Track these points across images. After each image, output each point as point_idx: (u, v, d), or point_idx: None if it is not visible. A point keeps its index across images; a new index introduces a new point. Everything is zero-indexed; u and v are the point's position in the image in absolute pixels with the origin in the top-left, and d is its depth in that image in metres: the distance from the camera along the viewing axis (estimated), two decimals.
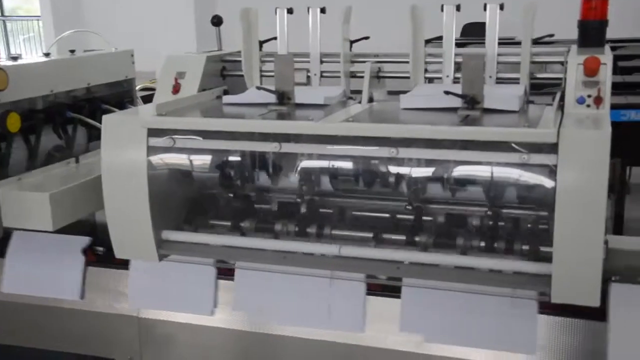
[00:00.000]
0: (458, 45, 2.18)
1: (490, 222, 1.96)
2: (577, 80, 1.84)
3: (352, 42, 2.35)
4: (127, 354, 2.33)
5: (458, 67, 2.15)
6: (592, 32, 1.98)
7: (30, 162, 2.40)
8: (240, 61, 2.41)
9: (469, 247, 1.90)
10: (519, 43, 2.10)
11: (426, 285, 1.92)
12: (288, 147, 1.92)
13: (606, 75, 1.82)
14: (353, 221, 2.12)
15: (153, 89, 2.71)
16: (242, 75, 2.42)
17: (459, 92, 1.89)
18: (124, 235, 2.04)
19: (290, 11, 2.34)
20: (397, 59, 2.32)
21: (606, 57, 1.84)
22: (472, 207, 1.98)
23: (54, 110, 2.48)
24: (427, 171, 1.97)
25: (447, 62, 2.18)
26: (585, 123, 1.75)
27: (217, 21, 2.57)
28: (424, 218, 2.02)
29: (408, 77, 2.23)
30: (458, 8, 2.13)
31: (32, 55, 3.06)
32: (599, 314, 1.81)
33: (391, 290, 2.03)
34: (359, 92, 2.16)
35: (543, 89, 2.35)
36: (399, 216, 2.06)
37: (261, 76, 2.42)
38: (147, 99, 2.97)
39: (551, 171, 1.68)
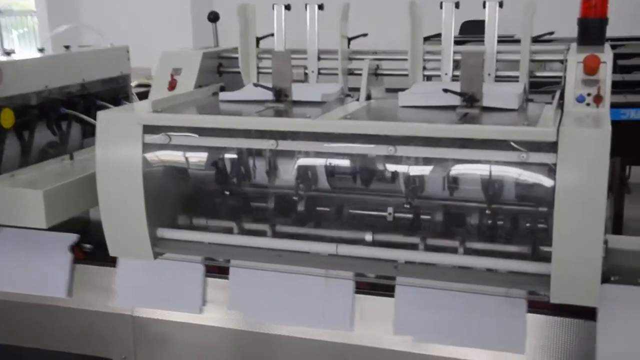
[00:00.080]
0: (457, 43, 2.16)
1: (489, 221, 1.95)
2: (576, 79, 1.83)
3: (350, 39, 2.34)
4: (122, 353, 2.32)
5: (457, 64, 2.14)
6: (592, 30, 1.97)
7: (24, 159, 2.37)
8: (237, 58, 2.39)
9: (467, 247, 1.88)
10: (518, 41, 2.09)
11: (419, 284, 1.91)
12: (285, 145, 1.90)
13: (606, 74, 1.81)
14: (350, 220, 2.11)
15: (149, 86, 2.69)
16: (238, 72, 2.40)
17: (458, 90, 1.87)
18: (119, 233, 2.02)
19: (287, 7, 2.32)
20: (396, 56, 2.30)
21: (606, 56, 1.82)
22: (471, 206, 1.97)
23: (48, 106, 2.46)
24: (425, 169, 1.95)
25: (446, 60, 2.16)
26: (585, 122, 1.74)
27: (213, 17, 2.55)
28: (422, 217, 2.00)
29: (406, 75, 2.21)
30: (457, 5, 2.12)
31: (26, 51, 3.04)
32: (591, 313, 1.81)
33: (387, 289, 2.02)
34: (357, 89, 2.15)
35: (542, 87, 2.34)
36: (396, 215, 2.04)
37: (258, 73, 2.41)
38: (143, 96, 2.94)
39: (550, 170, 1.66)
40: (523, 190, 1.87)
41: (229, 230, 2.08)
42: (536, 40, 2.11)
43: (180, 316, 2.22)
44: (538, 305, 1.87)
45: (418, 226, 1.98)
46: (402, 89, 2.08)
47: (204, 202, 2.20)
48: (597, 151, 1.60)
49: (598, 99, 1.81)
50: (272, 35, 2.37)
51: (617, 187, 2.31)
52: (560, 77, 1.98)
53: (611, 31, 2.07)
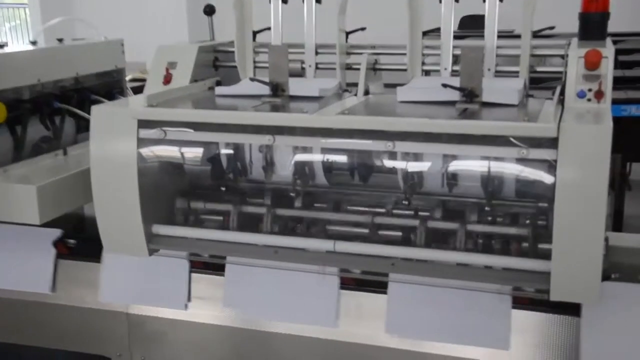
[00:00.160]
0: (456, 37, 2.14)
1: (488, 218, 1.93)
2: (577, 74, 1.81)
3: (348, 33, 2.32)
4: (117, 350, 2.30)
5: (456, 59, 2.11)
6: (593, 24, 1.95)
7: (17, 153, 2.34)
8: (233, 52, 2.36)
9: (466, 244, 1.87)
10: (518, 36, 2.07)
11: (410, 281, 1.90)
12: (282, 140, 1.88)
13: (607, 69, 1.79)
14: (348, 216, 2.08)
15: (143, 80, 2.66)
16: (235, 66, 2.38)
17: (457, 85, 1.86)
18: (113, 229, 2.00)
19: (284, 1, 2.30)
20: (394, 50, 2.28)
21: (607, 51, 1.81)
22: (470, 203, 1.95)
23: (41, 100, 2.42)
24: (424, 166, 1.93)
25: (445, 55, 2.14)
26: (585, 117, 1.72)
27: (209, 10, 2.52)
28: (420, 213, 1.99)
29: (405, 70, 2.19)
30: None
31: (18, 44, 2.99)
32: (576, 309, 1.81)
33: (377, 285, 2.01)
34: (355, 84, 2.12)
35: (542, 82, 2.32)
36: (394, 211, 2.02)
37: (255, 67, 2.38)
38: (138, 90, 2.91)
39: (551, 166, 1.65)
40: (523, 187, 1.86)
41: (225, 227, 2.06)
42: (537, 35, 2.09)
43: (176, 313, 2.21)
44: (522, 302, 1.86)
45: (416, 223, 1.96)
46: (401, 84, 2.06)
47: (199, 197, 2.17)
48: (598, 147, 1.58)
49: (599, 95, 1.79)
50: (269, 28, 2.34)
51: (618, 184, 2.30)
52: (560, 72, 1.96)
53: (611, 26, 2.05)
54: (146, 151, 1.97)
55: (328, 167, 2.03)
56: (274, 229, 2.02)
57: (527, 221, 1.89)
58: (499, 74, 2.09)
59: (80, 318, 2.33)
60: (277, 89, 2.00)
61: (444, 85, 1.86)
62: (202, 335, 2.20)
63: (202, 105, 2.08)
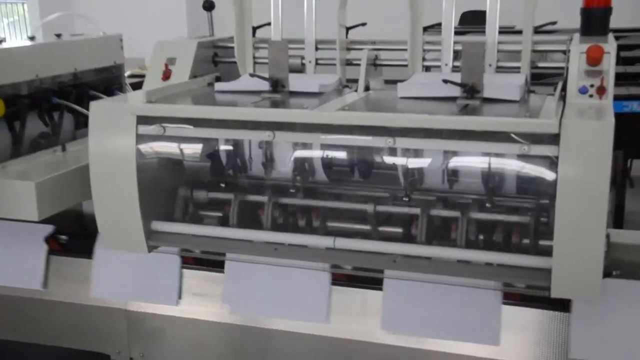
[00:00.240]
0: (457, 33, 2.13)
1: (489, 215, 1.92)
2: (579, 70, 1.79)
3: (348, 28, 2.30)
4: (116, 347, 2.29)
5: (457, 55, 2.10)
6: (595, 20, 1.93)
7: (15, 150, 2.33)
8: (232, 47, 2.35)
9: (467, 240, 1.86)
10: (519, 32, 2.05)
11: (406, 277, 1.90)
12: (282, 136, 1.87)
13: (610, 65, 1.78)
14: (348, 213, 2.08)
15: (142, 76, 2.64)
16: (234, 62, 2.36)
17: (458, 80, 1.84)
18: (112, 226, 1.99)
19: None
20: (395, 46, 2.27)
21: (610, 46, 1.79)
22: (471, 199, 1.94)
23: (39, 95, 2.41)
24: (425, 162, 1.93)
25: (446, 50, 2.13)
26: (587, 113, 1.71)
27: (208, 5, 2.50)
28: (421, 210, 1.97)
29: (406, 65, 2.18)
30: None
31: (16, 40, 2.97)
32: (566, 305, 1.81)
33: (369, 282, 2.00)
34: (355, 80, 2.11)
35: (543, 78, 2.31)
36: (395, 208, 2.01)
37: (254, 63, 2.37)
38: (137, 86, 2.89)
39: (552, 163, 1.64)
40: (524, 184, 1.85)
41: (224, 223, 2.05)
42: (538, 30, 2.07)
43: (175, 310, 2.20)
44: (513, 297, 1.85)
45: (417, 219, 1.95)
46: (401, 80, 2.05)
47: (199, 194, 2.16)
48: (600, 144, 1.57)
49: (601, 91, 1.78)
50: (269, 24, 2.33)
51: (620, 181, 2.29)
52: (562, 68, 1.95)
53: (613, 22, 2.03)
54: (145, 147, 1.96)
55: (328, 164, 2.02)
56: (274, 225, 2.01)
57: (528, 218, 1.88)
58: (500, 69, 2.08)
59: (78, 315, 2.32)
60: (277, 85, 1.99)
61: (445, 81, 1.85)
62: (201, 332, 2.19)
63: (202, 101, 2.07)
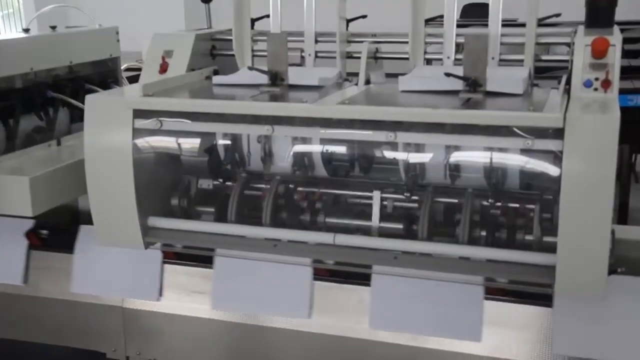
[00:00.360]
0: (458, 26, 2.10)
1: (492, 211, 1.90)
2: (584, 63, 1.77)
3: (348, 20, 2.28)
4: (112, 345, 2.27)
5: (459, 48, 2.07)
6: (600, 12, 1.90)
7: (9, 144, 2.31)
8: (231, 40, 2.32)
9: (469, 237, 1.83)
10: (521, 24, 2.02)
11: (393, 273, 1.88)
12: (281, 130, 1.85)
13: (615, 57, 1.75)
14: (348, 208, 2.05)
15: (139, 69, 2.62)
16: (232, 55, 2.34)
17: (461, 74, 1.82)
18: (108, 222, 1.97)
19: None
20: (396, 39, 2.24)
21: (615, 38, 1.76)
22: (474, 195, 1.91)
23: (34, 89, 2.39)
24: (426, 157, 1.90)
25: (448, 43, 2.10)
26: (592, 107, 1.68)
27: None
28: (422, 206, 1.95)
29: (407, 58, 2.15)
30: None
31: (10, 32, 2.94)
32: (548, 299, 1.80)
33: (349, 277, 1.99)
34: (356, 73, 2.09)
35: (547, 72, 2.28)
36: (395, 203, 1.99)
37: (253, 56, 2.34)
38: (133, 79, 2.86)
39: (556, 157, 1.61)
40: (528, 179, 1.83)
41: (222, 219, 2.02)
42: (542, 22, 2.04)
43: (171, 308, 2.18)
44: (495, 292, 1.84)
45: (418, 215, 1.92)
46: (403, 73, 2.02)
47: (196, 189, 2.13)
48: (606, 138, 1.54)
49: (606, 84, 1.75)
50: (268, 16, 2.30)
51: (625, 176, 2.26)
52: (566, 61, 1.92)
53: (617, 14, 2.00)
54: (142, 142, 1.93)
55: (328, 158, 2.00)
56: (272, 221, 1.99)
57: (532, 214, 1.85)
58: (503, 62, 2.05)
59: (74, 313, 2.30)
60: (276, 78, 1.96)
61: (447, 75, 1.82)
62: (198, 329, 2.17)
63: (199, 94, 2.05)
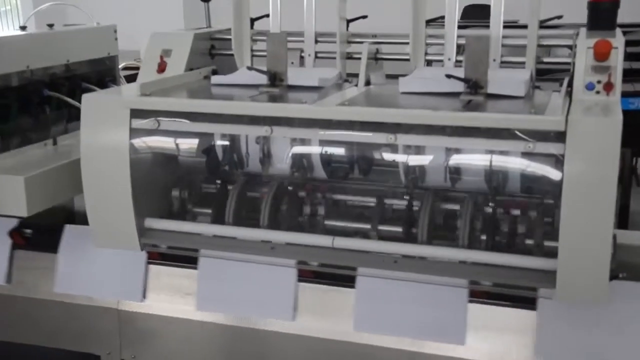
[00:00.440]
0: (459, 27, 2.08)
1: (493, 215, 1.88)
2: (586, 65, 1.75)
3: (349, 21, 2.27)
4: (107, 348, 2.25)
5: (460, 49, 2.06)
6: (603, 14, 1.89)
7: (4, 143, 2.28)
8: (230, 39, 2.31)
9: (469, 241, 1.82)
10: (522, 26, 2.01)
11: (376, 275, 1.87)
12: (280, 132, 1.83)
13: (617, 60, 1.74)
14: (347, 211, 2.04)
15: (137, 68, 2.60)
16: (231, 55, 2.33)
17: (462, 75, 1.80)
18: (104, 223, 1.95)
19: None
20: (397, 39, 2.23)
21: (617, 41, 1.75)
22: (474, 198, 1.90)
23: (30, 87, 2.36)
24: (427, 159, 1.88)
25: (449, 44, 2.08)
26: (594, 110, 1.67)
27: None
28: (422, 209, 1.93)
29: (408, 60, 2.14)
30: None
31: (7, 30, 2.91)
32: (532, 302, 1.79)
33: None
34: (356, 74, 2.08)
35: (548, 74, 2.27)
36: (395, 207, 1.98)
37: (252, 56, 2.33)
38: (131, 79, 2.84)
39: (558, 161, 1.60)
40: (529, 182, 1.82)
41: (220, 221, 2.01)
42: (543, 24, 2.03)
43: (168, 311, 2.16)
44: (479, 295, 1.83)
45: (417, 218, 1.91)
46: (403, 75, 2.01)
47: (194, 191, 2.11)
48: (608, 141, 1.53)
49: (608, 87, 1.74)
50: (268, 16, 2.29)
51: (627, 180, 2.25)
52: (568, 63, 1.91)
53: (619, 16, 1.99)
54: (139, 142, 1.91)
55: (327, 160, 1.98)
56: (270, 223, 1.97)
57: (533, 218, 1.84)
58: (504, 64, 2.04)
59: (69, 315, 2.27)
60: (275, 79, 1.95)
61: (448, 76, 1.81)
62: (194, 332, 2.15)
63: (198, 94, 2.03)
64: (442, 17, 2.10)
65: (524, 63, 2.02)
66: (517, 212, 1.88)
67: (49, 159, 2.22)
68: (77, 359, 2.29)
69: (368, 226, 1.94)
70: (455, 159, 1.85)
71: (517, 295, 1.77)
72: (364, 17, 2.37)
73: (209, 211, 2.08)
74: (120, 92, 2.11)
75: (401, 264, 1.80)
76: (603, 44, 1.73)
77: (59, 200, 2.20)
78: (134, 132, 1.87)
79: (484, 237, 1.84)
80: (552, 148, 1.60)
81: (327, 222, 1.99)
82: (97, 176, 1.90)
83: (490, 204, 1.88)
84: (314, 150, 1.97)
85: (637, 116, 2.55)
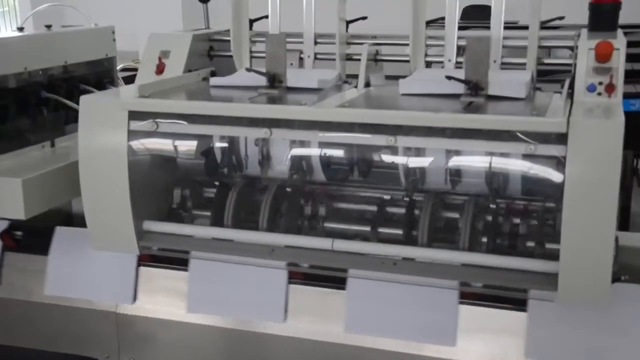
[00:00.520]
0: (459, 28, 2.07)
1: (494, 217, 1.87)
2: (587, 67, 1.74)
3: (348, 22, 2.26)
4: (105, 352, 2.24)
5: (460, 50, 2.04)
6: (604, 15, 1.88)
7: (2, 145, 2.26)
8: (228, 41, 2.30)
9: (470, 243, 1.81)
10: (523, 27, 2.00)
11: (367, 276, 1.86)
12: (279, 134, 1.82)
13: (619, 62, 1.73)
14: (347, 213, 2.02)
15: (135, 69, 2.59)
16: (230, 56, 2.31)
17: (462, 77, 1.80)
18: (102, 225, 1.94)
19: None
20: (396, 41, 2.22)
21: (619, 42, 1.74)
22: (475, 201, 1.89)
23: (27, 89, 2.35)
24: (427, 161, 1.87)
25: (449, 46, 2.07)
26: (596, 112, 1.66)
27: None
28: (422, 211, 1.92)
29: (407, 61, 2.13)
30: None
31: (5, 31, 2.90)
32: (522, 303, 1.79)
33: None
34: (355, 76, 2.07)
35: (548, 75, 2.25)
36: (395, 209, 1.97)
37: (251, 57, 2.32)
38: (129, 80, 2.83)
39: (559, 163, 1.59)
40: (530, 185, 1.81)
41: (218, 224, 1.99)
42: (544, 25, 2.02)
43: (166, 314, 2.15)
44: (469, 297, 1.82)
45: (418, 221, 1.89)
46: (403, 76, 2.00)
47: (192, 193, 2.10)
48: (610, 143, 1.52)
49: (610, 88, 1.73)
50: (267, 17, 2.28)
51: (629, 181, 2.25)
52: (569, 64, 1.90)
53: (620, 17, 1.97)
54: (137, 144, 1.90)
55: (326, 162, 1.97)
56: (270, 226, 1.96)
57: (534, 220, 1.83)
58: (505, 66, 2.03)
59: (67, 318, 2.26)
60: (274, 80, 1.94)
61: (448, 78, 1.80)
62: (193, 336, 2.14)
63: (196, 96, 2.02)
64: (442, 18, 2.09)
65: (524, 64, 2.00)
66: (518, 214, 1.87)
67: (47, 161, 2.21)
68: None
69: (368, 229, 1.92)
70: (456, 161, 1.84)
71: (508, 296, 1.76)
72: (364, 18, 2.36)
73: (208, 214, 2.06)
74: (118, 93, 2.11)
75: (401, 267, 1.79)
76: (604, 45, 1.72)
77: (57, 203, 2.19)
78: (132, 134, 1.86)
79: (484, 240, 1.83)
80: (554, 150, 1.59)
81: (326, 225, 1.98)
82: (95, 178, 1.89)
83: (491, 206, 1.87)
84: (314, 152, 1.96)
85: (638, 118, 2.54)
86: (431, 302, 1.83)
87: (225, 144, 2.03)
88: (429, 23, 2.16)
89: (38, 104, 2.42)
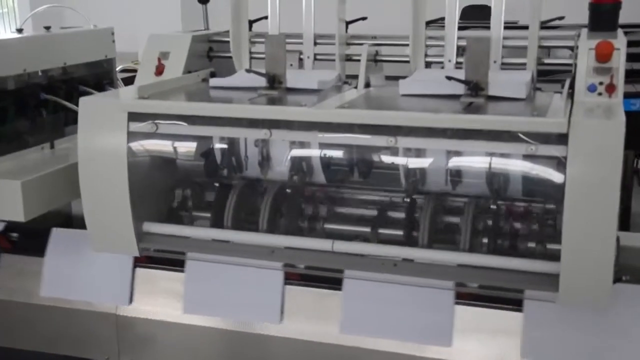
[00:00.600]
0: (459, 28, 2.07)
1: (494, 218, 1.87)
2: (588, 67, 1.74)
3: (348, 22, 2.25)
4: (105, 353, 2.23)
5: (460, 51, 2.04)
6: (604, 15, 1.88)
7: (1, 147, 2.26)
8: (228, 42, 2.29)
9: (471, 244, 1.80)
10: (523, 27, 1.99)
11: (364, 277, 1.86)
12: (278, 135, 1.82)
13: (619, 62, 1.73)
14: (347, 215, 2.02)
15: (135, 71, 2.58)
16: (230, 57, 2.31)
17: (462, 77, 1.79)
18: (102, 227, 1.93)
19: None
20: (396, 41, 2.21)
21: (620, 42, 1.74)
22: (475, 202, 1.88)
23: (27, 91, 2.35)
24: (427, 162, 1.87)
25: (449, 46, 2.07)
26: (597, 112, 1.65)
27: None
28: (422, 212, 1.92)
29: (407, 62, 2.13)
30: None
31: (4, 32, 2.90)
32: (518, 304, 1.79)
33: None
34: (355, 76, 2.06)
35: (548, 75, 2.25)
36: (395, 210, 1.96)
37: (251, 58, 2.31)
38: (129, 81, 2.83)
39: (560, 163, 1.59)
40: (531, 185, 1.80)
41: (218, 225, 1.99)
42: (544, 25, 2.02)
43: (165, 315, 2.15)
44: (465, 297, 1.82)
45: (418, 222, 1.89)
46: (403, 77, 1.99)
47: (192, 194, 2.10)
48: (611, 143, 1.52)
49: (611, 88, 1.73)
50: (266, 18, 2.27)
51: (629, 182, 2.24)
52: (569, 64, 1.89)
53: (620, 17, 1.97)
54: (137, 145, 1.90)
55: (327, 163, 1.97)
56: (270, 227, 1.95)
57: (535, 221, 1.82)
58: (505, 66, 2.03)
59: (67, 320, 2.26)
60: (274, 81, 1.93)
61: (448, 78, 1.80)
62: (193, 337, 2.13)
63: (196, 97, 2.02)
64: (442, 19, 2.08)
65: (524, 64, 2.00)
66: (519, 215, 1.87)
67: (46, 163, 2.20)
68: None
69: (368, 230, 1.92)
70: (456, 162, 1.83)
71: (503, 297, 1.76)
72: (364, 18, 2.36)
73: (208, 215, 2.06)
74: (117, 95, 2.10)
75: (401, 268, 1.79)
76: (605, 45, 1.72)
77: (57, 205, 2.19)
78: (132, 136, 1.86)
79: (485, 241, 1.83)
80: (555, 150, 1.59)
81: (326, 226, 1.97)
82: (94, 180, 1.88)
83: (491, 207, 1.86)
84: (314, 153, 1.95)
85: (639, 117, 2.53)
86: (427, 303, 1.83)
87: (225, 145, 2.03)
88: (428, 23, 2.16)
89: (37, 105, 2.41)
